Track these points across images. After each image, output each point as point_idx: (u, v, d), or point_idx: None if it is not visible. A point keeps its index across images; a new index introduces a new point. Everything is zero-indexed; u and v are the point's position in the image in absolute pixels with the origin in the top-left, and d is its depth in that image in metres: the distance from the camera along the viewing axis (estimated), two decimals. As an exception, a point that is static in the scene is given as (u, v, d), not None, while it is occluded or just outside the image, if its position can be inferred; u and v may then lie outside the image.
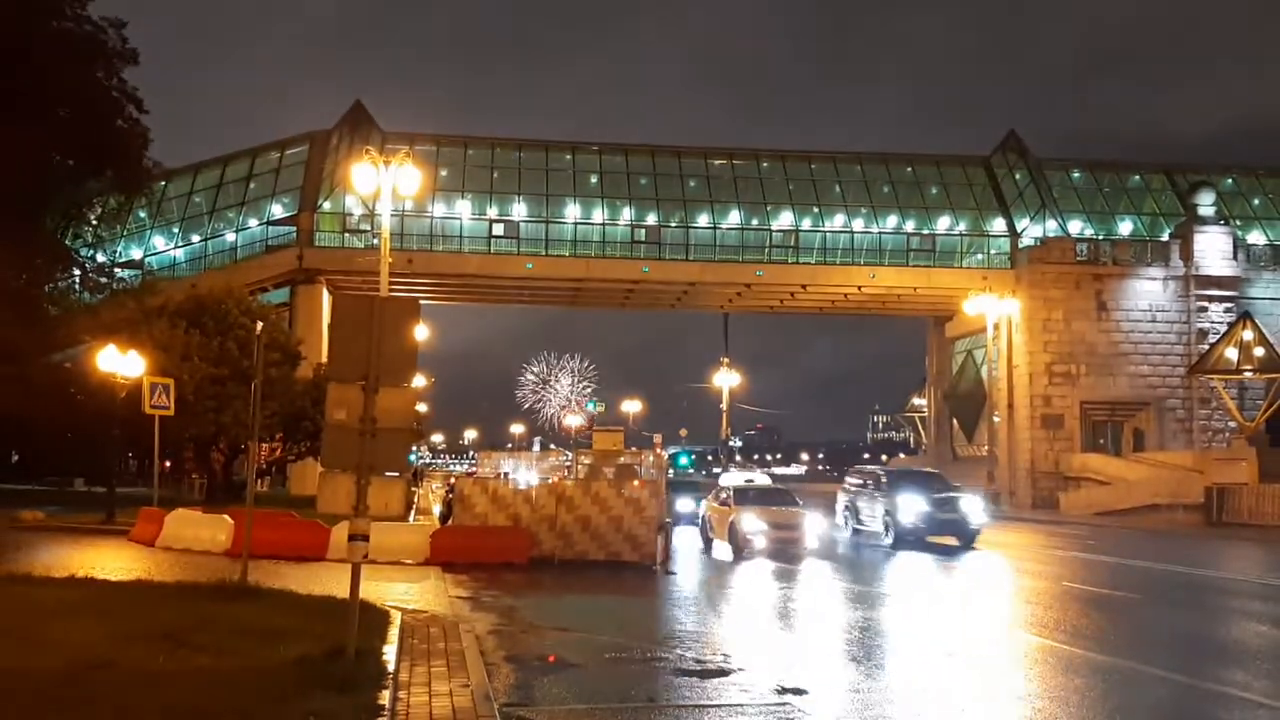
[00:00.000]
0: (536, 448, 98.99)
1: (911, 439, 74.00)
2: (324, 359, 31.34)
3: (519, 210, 50.73)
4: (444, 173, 50.59)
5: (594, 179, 52.08)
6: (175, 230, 49.54)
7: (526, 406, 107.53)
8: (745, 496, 25.23)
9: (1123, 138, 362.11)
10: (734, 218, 51.59)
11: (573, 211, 50.85)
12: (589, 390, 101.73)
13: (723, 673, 10.32)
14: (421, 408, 53.77)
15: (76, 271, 38.04)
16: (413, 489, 39.83)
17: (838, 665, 11.15)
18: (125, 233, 47.19)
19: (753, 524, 23.06)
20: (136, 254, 48.26)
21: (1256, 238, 53.15)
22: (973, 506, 26.57)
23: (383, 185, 26.38)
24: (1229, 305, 48.92)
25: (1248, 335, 43.53)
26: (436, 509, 34.64)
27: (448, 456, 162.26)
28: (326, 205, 48.86)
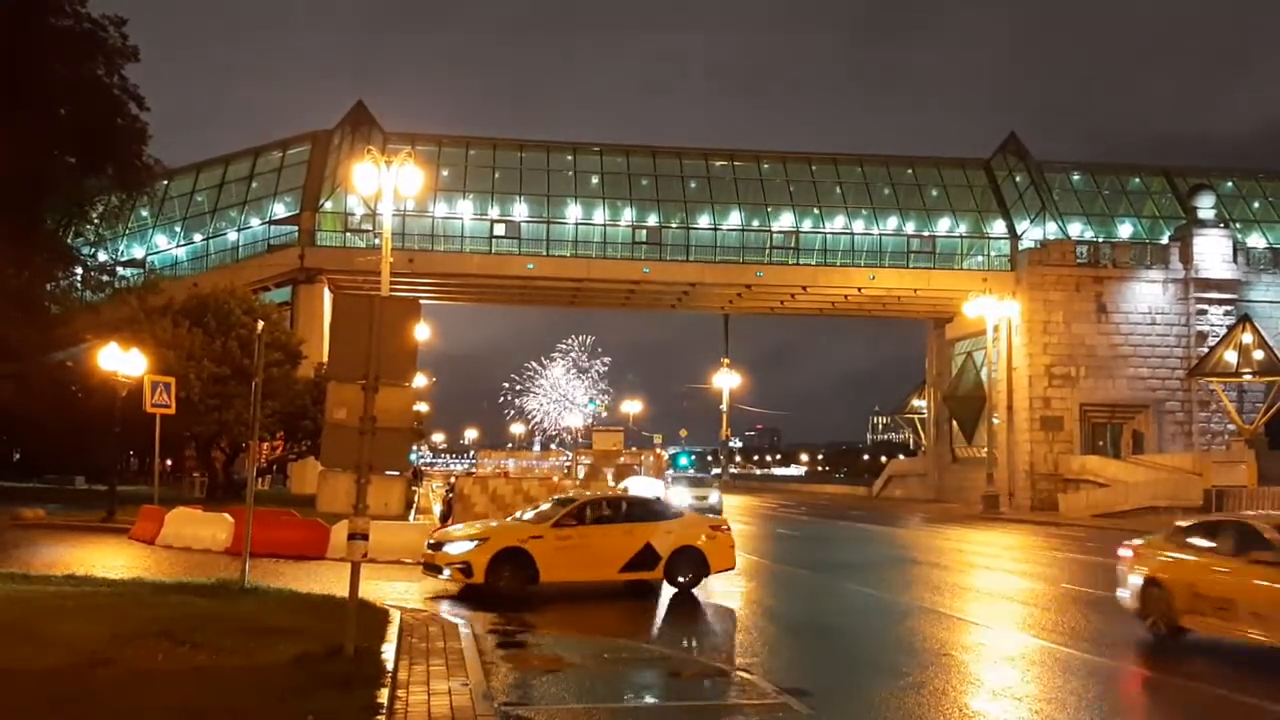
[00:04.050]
0: (537, 447, 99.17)
1: (911, 440, 74.01)
2: (325, 358, 31.37)
3: (520, 210, 50.75)
4: (445, 173, 50.61)
5: (595, 179, 52.10)
6: (177, 229, 49.55)
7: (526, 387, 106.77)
8: None
9: (1154, 138, 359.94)
10: (734, 219, 51.60)
11: (574, 212, 50.85)
12: (599, 382, 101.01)
13: (722, 673, 10.33)
14: (422, 407, 53.79)
15: (78, 270, 38.09)
16: (413, 488, 39.85)
17: (840, 665, 11.15)
18: (127, 231, 47.23)
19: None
20: (138, 253, 48.29)
21: (1256, 241, 53.15)
22: None
23: (384, 185, 26.35)
24: (1228, 308, 48.89)
25: (1247, 338, 43.49)
26: (437, 508, 34.62)
27: (448, 456, 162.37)
28: (328, 205, 48.88)
